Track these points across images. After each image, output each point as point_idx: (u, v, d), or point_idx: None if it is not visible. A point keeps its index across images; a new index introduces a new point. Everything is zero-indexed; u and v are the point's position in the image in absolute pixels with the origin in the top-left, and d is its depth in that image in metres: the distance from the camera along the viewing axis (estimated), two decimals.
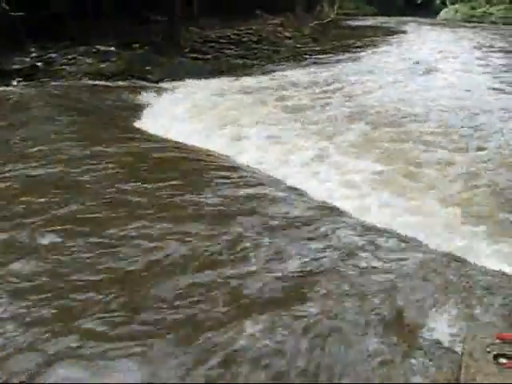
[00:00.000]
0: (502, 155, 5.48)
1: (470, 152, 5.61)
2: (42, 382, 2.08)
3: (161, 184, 4.20)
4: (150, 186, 4.15)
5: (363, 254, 3.18)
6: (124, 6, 12.71)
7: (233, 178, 4.48)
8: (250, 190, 4.15)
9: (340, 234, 3.44)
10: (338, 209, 4.00)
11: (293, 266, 2.96)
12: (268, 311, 2.52)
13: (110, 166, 4.60)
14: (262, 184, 4.38)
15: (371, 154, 5.46)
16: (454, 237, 3.77)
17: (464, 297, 2.84)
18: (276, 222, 3.54)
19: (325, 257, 3.10)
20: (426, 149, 5.66)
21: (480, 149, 5.71)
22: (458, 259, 3.33)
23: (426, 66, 12.23)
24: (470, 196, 4.48)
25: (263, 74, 11.01)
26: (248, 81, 9.98)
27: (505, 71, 11.84)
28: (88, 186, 4.11)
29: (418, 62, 12.93)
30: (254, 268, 2.91)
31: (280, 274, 2.86)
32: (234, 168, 4.87)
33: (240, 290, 2.70)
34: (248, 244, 3.18)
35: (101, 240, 3.18)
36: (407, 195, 4.45)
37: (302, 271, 2.91)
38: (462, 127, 6.60)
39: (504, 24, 29.52)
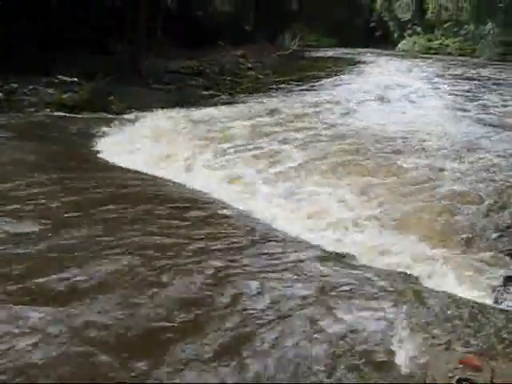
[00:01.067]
0: None
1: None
2: None
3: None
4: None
5: None
6: (86, 36, 12.87)
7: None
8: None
9: None
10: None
11: None
12: None
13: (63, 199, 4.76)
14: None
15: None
16: None
17: None
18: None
19: None
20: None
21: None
22: None
23: (382, 94, 12.76)
24: None
25: (225, 104, 11.24)
26: (210, 111, 10.18)
27: (457, 95, 12.61)
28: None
29: (376, 90, 13.47)
30: None
31: None
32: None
33: None
34: None
35: None
36: None
37: None
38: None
39: (459, 55, 30.78)
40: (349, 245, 4.30)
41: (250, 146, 7.27)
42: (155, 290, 3.11)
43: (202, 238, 4.03)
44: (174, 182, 5.96)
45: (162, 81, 13.33)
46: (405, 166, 6.26)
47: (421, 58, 28.84)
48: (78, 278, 3.19)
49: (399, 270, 3.91)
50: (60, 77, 11.56)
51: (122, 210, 4.59)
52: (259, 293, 3.15)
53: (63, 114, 9.66)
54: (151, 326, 2.76)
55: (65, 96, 10.56)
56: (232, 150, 7.09)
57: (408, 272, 3.85)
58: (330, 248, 4.18)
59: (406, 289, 3.46)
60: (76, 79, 11.57)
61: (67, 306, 2.88)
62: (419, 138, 7.82)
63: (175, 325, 2.77)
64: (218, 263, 3.56)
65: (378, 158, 6.60)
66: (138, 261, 3.49)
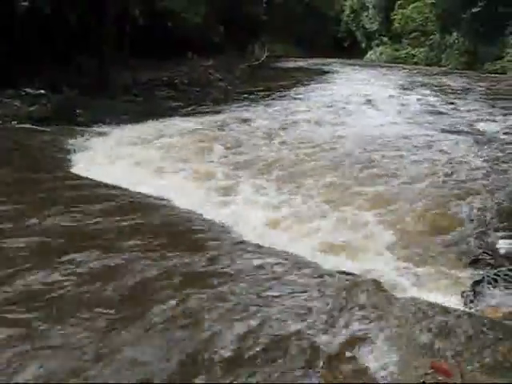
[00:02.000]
0: None
1: None
2: None
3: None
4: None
5: None
6: (52, 48, 12.75)
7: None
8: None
9: None
10: None
11: None
12: None
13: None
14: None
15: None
16: None
17: None
18: None
19: None
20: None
21: None
22: None
23: (346, 104, 13.03)
24: None
25: (194, 115, 11.26)
26: (178, 123, 10.19)
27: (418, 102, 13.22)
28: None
29: (344, 99, 13.71)
30: None
31: None
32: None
33: None
34: None
35: None
36: None
37: None
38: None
39: (426, 64, 31.38)
40: None
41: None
42: None
43: None
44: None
45: (131, 93, 13.29)
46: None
47: (388, 67, 29.33)
48: None
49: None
50: (26, 89, 11.44)
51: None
52: None
53: (30, 126, 9.54)
54: None
55: (32, 108, 10.45)
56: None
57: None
58: None
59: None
60: (43, 91, 11.47)
61: None
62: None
63: None
64: None
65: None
66: None
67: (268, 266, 3.85)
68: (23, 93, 11.33)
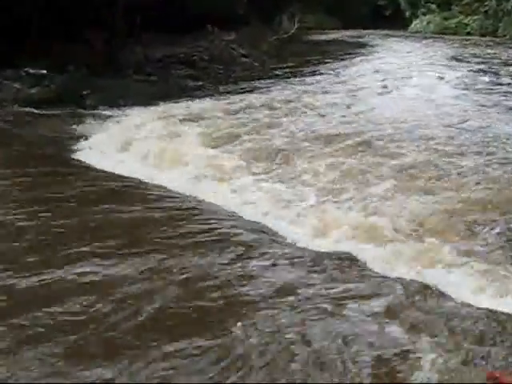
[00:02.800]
0: None
1: None
2: None
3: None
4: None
5: None
6: (56, 21, 12.77)
7: None
8: None
9: None
10: None
11: None
12: None
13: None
14: None
15: None
16: None
17: None
18: None
19: None
20: None
21: None
22: None
23: (392, 83, 12.73)
24: None
25: (216, 96, 11.16)
26: (200, 105, 10.10)
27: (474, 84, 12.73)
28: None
29: (384, 79, 13.40)
30: None
31: None
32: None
33: None
34: None
35: None
36: None
37: None
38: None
39: (480, 35, 30.68)
40: None
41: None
42: None
43: None
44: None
45: (144, 72, 13.29)
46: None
47: (437, 38, 28.84)
48: None
49: None
50: (27, 69, 11.49)
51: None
52: None
53: (32, 110, 9.59)
54: None
55: (33, 91, 10.50)
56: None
57: None
58: None
59: None
60: (46, 71, 11.51)
61: None
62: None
63: None
64: None
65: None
66: None
67: None
68: (24, 73, 11.40)
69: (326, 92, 11.43)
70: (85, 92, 10.77)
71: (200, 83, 12.89)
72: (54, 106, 9.87)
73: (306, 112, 9.25)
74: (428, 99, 10.67)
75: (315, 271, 3.91)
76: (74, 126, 8.68)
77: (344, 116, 8.94)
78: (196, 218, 4.97)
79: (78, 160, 7.03)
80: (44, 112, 9.57)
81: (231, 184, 6.02)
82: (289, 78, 13.68)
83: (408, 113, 9.18)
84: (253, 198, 5.57)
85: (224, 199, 5.59)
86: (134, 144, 7.63)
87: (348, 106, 9.90)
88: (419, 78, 13.69)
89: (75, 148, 7.58)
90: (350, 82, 12.81)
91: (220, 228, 4.68)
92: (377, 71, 14.87)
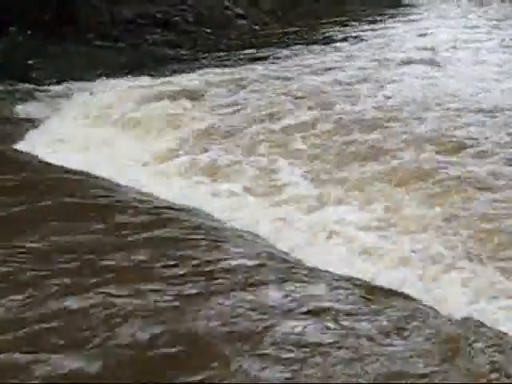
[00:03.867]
0: None
1: None
2: None
3: None
4: None
5: None
6: None
7: None
8: None
9: None
10: None
11: None
12: None
13: None
14: None
15: None
16: None
17: None
18: None
19: None
20: None
21: None
22: None
23: (435, 55, 12.64)
24: None
25: (203, 69, 11.10)
26: (180, 81, 10.06)
27: None
28: None
29: (428, 47, 13.30)
30: None
31: None
32: None
33: None
34: None
35: None
36: None
37: None
38: None
39: None
40: None
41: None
42: None
43: None
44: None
45: (110, 36, 13.28)
46: None
47: None
48: None
49: None
50: None
51: None
52: None
53: None
54: None
55: None
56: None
57: None
58: None
59: None
60: None
61: None
62: None
63: None
64: None
65: None
66: None
67: None
68: None
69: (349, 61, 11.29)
70: (31, 62, 10.74)
71: (182, 52, 12.86)
72: None
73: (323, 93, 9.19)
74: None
75: None
76: (17, 107, 8.65)
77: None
78: None
79: (21, 152, 7.02)
80: None
81: None
82: (294, 45, 13.56)
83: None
84: None
85: None
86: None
87: (378, 83, 9.80)
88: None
89: (17, 137, 7.58)
90: (383, 58, 12.66)
91: None
92: (420, 36, 14.63)
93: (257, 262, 4.47)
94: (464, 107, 8.08)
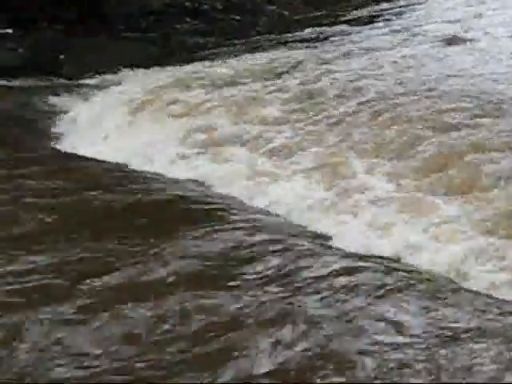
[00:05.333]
0: None
1: None
2: None
3: None
4: None
5: None
6: None
7: None
8: None
9: None
10: None
11: None
12: None
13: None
14: None
15: None
16: None
17: None
18: None
19: None
20: None
21: None
22: None
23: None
24: None
25: (234, 58, 11.03)
26: (214, 70, 10.01)
27: None
28: None
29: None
30: None
31: None
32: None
33: None
34: None
35: None
36: None
37: None
38: None
39: None
40: None
41: None
42: None
43: None
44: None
45: (138, 27, 13.25)
46: None
47: None
48: None
49: None
50: None
51: None
52: None
53: None
54: None
55: None
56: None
57: None
58: None
59: None
60: (10, 30, 11.52)
61: None
62: None
63: None
64: None
65: None
66: None
67: None
68: None
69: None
70: (62, 56, 10.77)
71: (212, 40, 12.78)
72: (22, 76, 9.89)
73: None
74: None
75: None
76: (49, 101, 8.66)
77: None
78: None
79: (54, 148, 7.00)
80: (9, 84, 9.58)
81: None
82: (330, 32, 13.39)
83: None
84: None
85: None
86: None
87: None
88: None
89: (52, 131, 7.53)
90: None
91: None
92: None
93: None
94: None
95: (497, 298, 4.06)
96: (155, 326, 3.52)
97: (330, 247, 4.73)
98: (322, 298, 3.83)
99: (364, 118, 6.92)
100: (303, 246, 4.61)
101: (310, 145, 6.53)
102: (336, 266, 4.25)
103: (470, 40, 11.34)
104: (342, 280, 4.05)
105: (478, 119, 6.64)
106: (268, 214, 5.48)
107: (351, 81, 8.57)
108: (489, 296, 4.11)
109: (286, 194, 5.73)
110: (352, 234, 4.98)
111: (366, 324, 3.56)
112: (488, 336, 3.48)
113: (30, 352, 3.29)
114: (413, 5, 15.99)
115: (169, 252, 4.32)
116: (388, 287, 3.98)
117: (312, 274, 4.12)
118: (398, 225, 5.00)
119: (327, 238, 4.96)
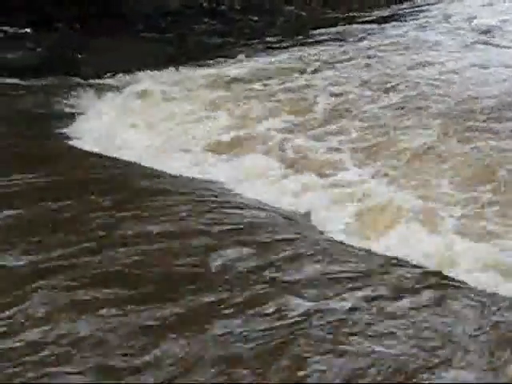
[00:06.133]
0: None
1: None
2: None
3: None
4: None
5: None
6: None
7: None
8: None
9: None
10: None
11: None
12: None
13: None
14: None
15: None
16: None
17: None
18: None
19: None
20: None
21: None
22: None
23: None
24: None
25: (253, 59, 11.01)
26: (231, 71, 9.99)
27: None
28: None
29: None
30: None
31: None
32: None
33: None
34: None
35: None
36: None
37: None
38: None
39: None
40: None
41: None
42: None
43: None
44: None
45: (157, 27, 13.28)
46: None
47: None
48: None
49: None
50: (4, 27, 11.53)
51: None
52: None
53: (12, 81, 9.60)
54: None
55: (13, 56, 10.52)
56: None
57: None
58: None
59: None
60: (28, 30, 11.54)
61: None
62: None
63: None
64: None
65: None
66: None
67: None
68: (0, 33, 11.44)
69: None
70: (80, 56, 10.77)
71: (231, 41, 12.76)
72: (41, 75, 9.88)
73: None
74: None
75: None
76: (68, 101, 8.69)
77: None
78: None
79: (72, 146, 7.02)
80: (28, 83, 9.57)
81: None
82: (350, 33, 13.30)
83: None
84: None
85: None
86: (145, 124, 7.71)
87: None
88: None
89: (68, 130, 7.59)
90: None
91: None
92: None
93: None
94: None
95: None
96: None
97: None
98: None
99: None
100: None
101: None
102: None
103: None
104: None
105: None
106: None
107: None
108: None
109: None
110: None
111: None
112: None
113: None
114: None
115: None
116: None
117: None
118: None
119: None
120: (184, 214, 5.00)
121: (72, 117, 8.01)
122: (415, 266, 4.35)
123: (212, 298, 3.74)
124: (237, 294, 3.78)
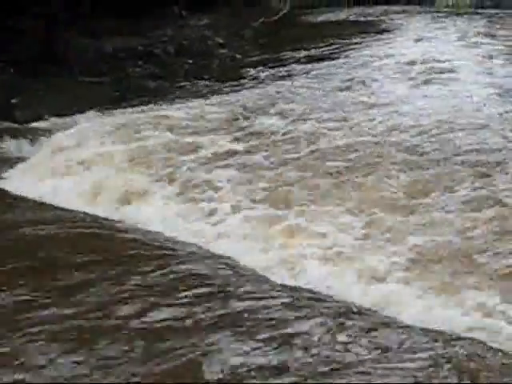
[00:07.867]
0: None
1: None
2: None
3: None
4: None
5: None
6: None
7: None
8: None
9: None
10: None
11: None
12: None
13: None
14: None
15: None
16: None
17: None
18: None
19: None
20: None
21: None
22: None
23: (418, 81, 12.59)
24: None
25: (184, 101, 11.16)
26: (165, 113, 10.11)
27: None
28: None
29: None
30: None
31: None
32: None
33: None
34: None
35: None
36: None
37: None
38: None
39: None
40: None
41: None
42: None
43: None
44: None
45: (94, 71, 13.32)
46: None
47: (473, 16, 28.73)
48: None
49: None
50: None
51: None
52: None
53: None
54: None
55: None
56: None
57: None
58: None
59: None
60: None
61: None
62: None
63: None
64: None
65: None
66: None
67: None
68: None
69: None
70: (14, 100, 10.76)
71: (164, 83, 12.89)
72: None
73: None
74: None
75: None
76: (2, 147, 8.71)
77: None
78: None
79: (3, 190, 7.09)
80: None
81: None
82: (279, 74, 13.58)
83: None
84: None
85: None
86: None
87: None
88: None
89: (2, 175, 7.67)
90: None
91: None
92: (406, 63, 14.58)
93: None
94: None
95: None
96: None
97: None
98: None
99: None
100: None
101: None
102: None
103: None
104: None
105: None
106: None
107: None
108: None
109: None
110: None
111: None
112: None
113: None
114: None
115: None
116: None
117: None
118: None
119: None
120: None
121: (4, 163, 8.03)
122: None
123: None
124: None
